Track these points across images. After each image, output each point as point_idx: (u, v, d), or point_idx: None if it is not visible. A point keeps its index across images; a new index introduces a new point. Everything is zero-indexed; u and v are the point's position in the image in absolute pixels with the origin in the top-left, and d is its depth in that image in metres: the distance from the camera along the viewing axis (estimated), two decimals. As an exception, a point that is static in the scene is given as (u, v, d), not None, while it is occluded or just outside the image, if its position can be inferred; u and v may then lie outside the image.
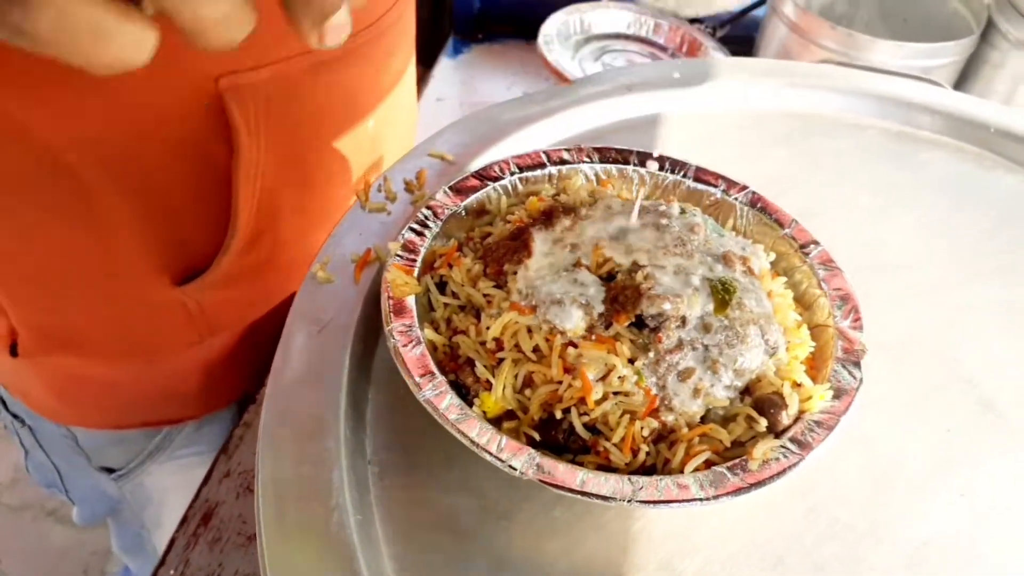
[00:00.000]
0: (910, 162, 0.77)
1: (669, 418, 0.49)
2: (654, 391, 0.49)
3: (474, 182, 0.61)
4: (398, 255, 0.55)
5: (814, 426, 0.49)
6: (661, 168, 0.63)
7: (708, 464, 0.48)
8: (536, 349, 0.50)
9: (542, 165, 0.62)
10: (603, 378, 0.48)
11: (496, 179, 0.61)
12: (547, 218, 0.55)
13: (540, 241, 0.54)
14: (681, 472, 0.47)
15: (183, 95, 0.56)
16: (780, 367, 0.52)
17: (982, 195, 0.75)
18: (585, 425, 0.48)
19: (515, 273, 0.53)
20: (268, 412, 0.50)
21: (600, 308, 0.50)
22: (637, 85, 0.77)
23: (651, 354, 0.49)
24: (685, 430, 0.49)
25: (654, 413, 0.48)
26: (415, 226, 0.57)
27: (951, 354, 0.61)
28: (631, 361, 0.49)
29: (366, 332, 0.55)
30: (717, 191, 0.63)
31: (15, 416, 0.83)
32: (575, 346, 0.49)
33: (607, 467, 0.48)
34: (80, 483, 0.89)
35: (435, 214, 0.58)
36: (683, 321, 0.50)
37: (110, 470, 0.86)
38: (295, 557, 0.44)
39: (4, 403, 0.83)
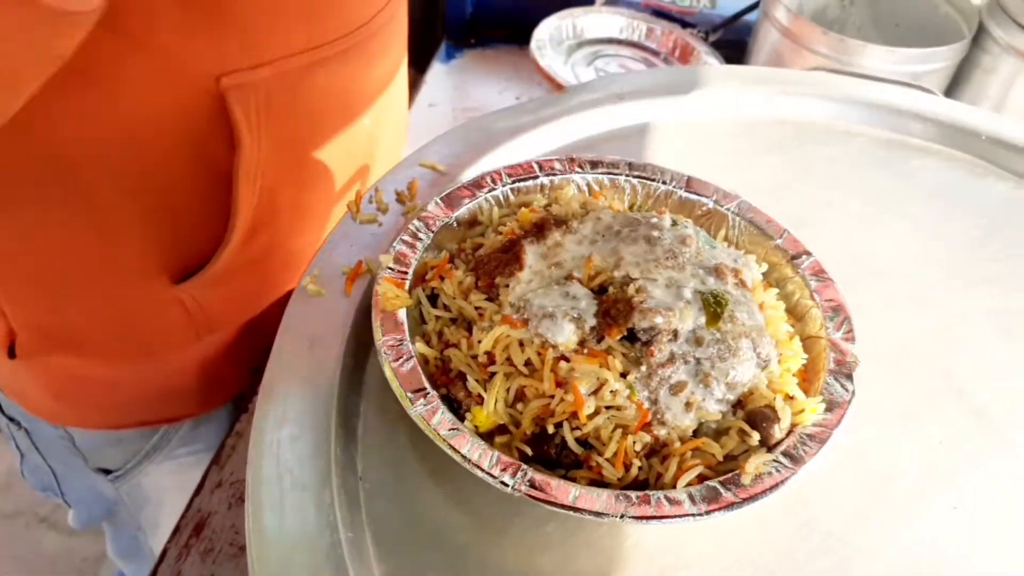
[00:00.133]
0: (901, 169, 0.77)
1: (661, 432, 0.48)
2: (646, 405, 0.48)
3: (466, 193, 0.60)
4: (389, 268, 0.54)
5: (807, 439, 0.49)
6: (653, 178, 0.63)
7: (701, 478, 0.48)
8: (528, 363, 0.49)
9: (534, 175, 0.62)
10: (595, 392, 0.48)
11: (488, 190, 0.61)
12: (539, 230, 0.55)
13: (532, 254, 0.54)
14: (674, 487, 0.47)
15: (185, 94, 0.56)
16: (772, 380, 0.51)
17: (973, 203, 0.75)
18: (577, 439, 0.48)
19: (507, 286, 0.52)
20: (258, 429, 0.49)
21: (592, 321, 0.50)
22: (629, 94, 0.77)
23: (643, 368, 0.49)
24: (677, 444, 0.48)
25: (646, 427, 0.48)
26: (406, 238, 0.56)
27: (943, 364, 0.61)
28: (623, 375, 0.49)
29: (357, 346, 0.55)
30: (709, 201, 0.63)
31: (11, 419, 0.83)
32: (567, 360, 0.49)
33: (600, 482, 0.48)
34: (76, 485, 0.89)
35: (427, 225, 0.58)
36: (675, 334, 0.49)
37: (107, 471, 0.86)
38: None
39: (0, 406, 0.83)
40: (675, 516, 0.45)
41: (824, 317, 0.56)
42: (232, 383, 0.83)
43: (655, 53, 1.31)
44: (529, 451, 0.49)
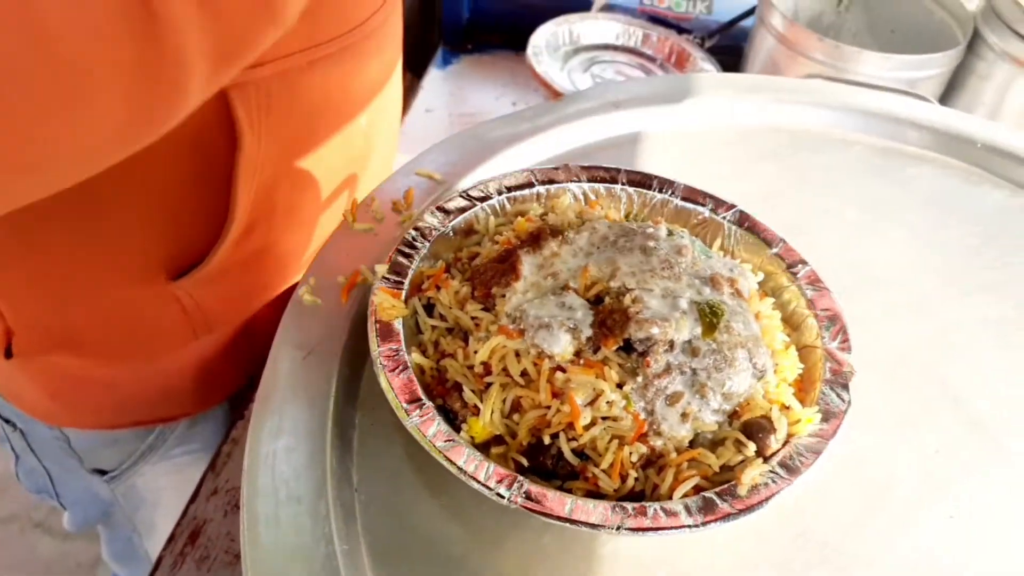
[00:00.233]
0: (898, 177, 0.77)
1: (658, 443, 0.48)
2: (642, 416, 0.48)
3: (462, 202, 0.60)
4: (385, 277, 0.54)
5: (803, 450, 0.49)
6: (649, 187, 0.63)
7: (697, 489, 0.48)
8: (524, 373, 0.49)
9: (530, 184, 0.62)
10: (591, 403, 0.48)
11: (484, 199, 0.61)
12: (535, 240, 0.55)
13: (528, 264, 0.54)
14: (670, 498, 0.47)
15: None
16: (768, 390, 0.51)
17: (969, 211, 0.75)
18: (573, 450, 0.48)
19: (503, 296, 0.52)
20: (254, 440, 0.49)
21: (588, 332, 0.50)
22: (624, 102, 0.77)
23: (639, 378, 0.49)
24: (674, 455, 0.48)
25: (642, 438, 0.48)
26: (403, 247, 0.56)
27: (939, 372, 0.61)
28: (619, 386, 0.49)
29: (353, 356, 0.55)
30: (705, 210, 0.63)
31: (6, 420, 0.83)
32: (563, 370, 0.49)
33: (596, 493, 0.48)
34: (72, 487, 0.89)
35: (423, 235, 0.58)
36: (671, 345, 0.49)
37: (103, 472, 0.85)
38: (281, 588, 0.44)
39: None
40: (671, 528, 0.44)
41: (820, 327, 0.56)
42: (228, 383, 0.83)
43: (651, 59, 1.31)
44: (525, 462, 0.49)
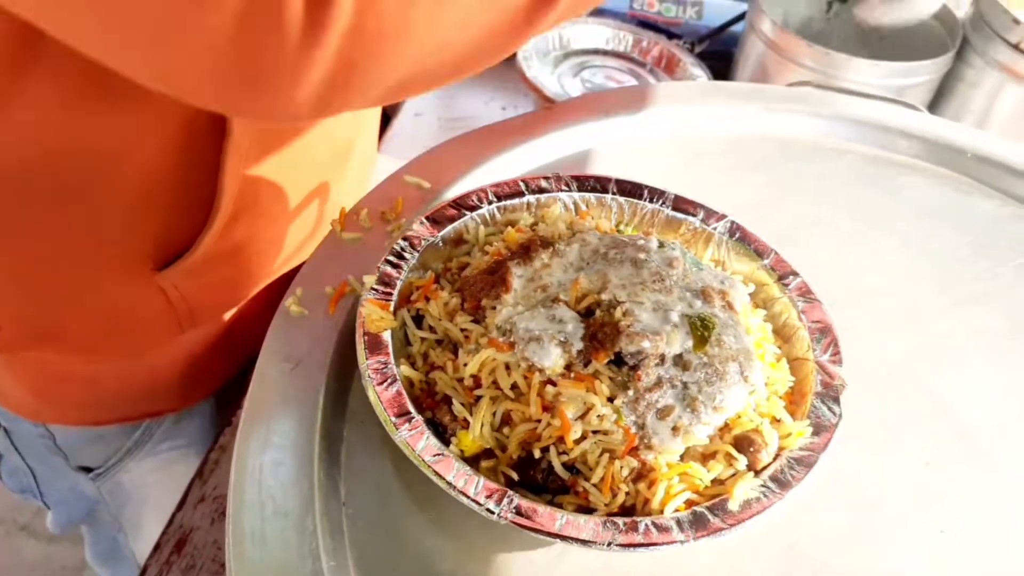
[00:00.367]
0: (889, 187, 0.77)
1: (648, 457, 0.48)
2: (633, 430, 0.48)
3: (451, 211, 0.60)
4: (374, 288, 0.54)
5: (794, 463, 0.49)
6: (640, 196, 0.63)
7: (688, 503, 0.47)
8: (514, 387, 0.49)
9: (520, 193, 0.62)
10: (582, 416, 0.48)
11: (474, 208, 0.60)
12: (525, 252, 0.55)
13: (518, 276, 0.53)
14: (661, 512, 0.47)
15: None
16: (759, 403, 0.51)
17: (959, 220, 0.75)
18: (564, 464, 0.48)
19: (493, 308, 0.52)
20: (240, 453, 0.48)
21: (579, 345, 0.50)
22: (615, 110, 0.77)
23: (630, 392, 0.48)
24: (665, 469, 0.48)
25: (633, 452, 0.48)
26: (391, 258, 0.56)
27: (930, 384, 0.61)
28: (610, 399, 0.48)
29: (341, 368, 0.54)
30: (696, 220, 0.62)
31: None
32: (554, 384, 0.49)
33: (586, 508, 0.48)
34: (56, 485, 0.88)
35: (412, 245, 0.57)
36: (662, 359, 0.49)
37: (88, 469, 0.85)
38: (267, 606, 0.43)
39: None
40: (662, 543, 0.44)
41: (811, 339, 0.55)
42: (214, 377, 0.83)
43: (641, 64, 1.30)
44: (515, 476, 0.48)
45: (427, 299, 0.54)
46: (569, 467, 0.48)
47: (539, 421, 0.48)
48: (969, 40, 1.12)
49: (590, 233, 0.56)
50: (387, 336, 0.51)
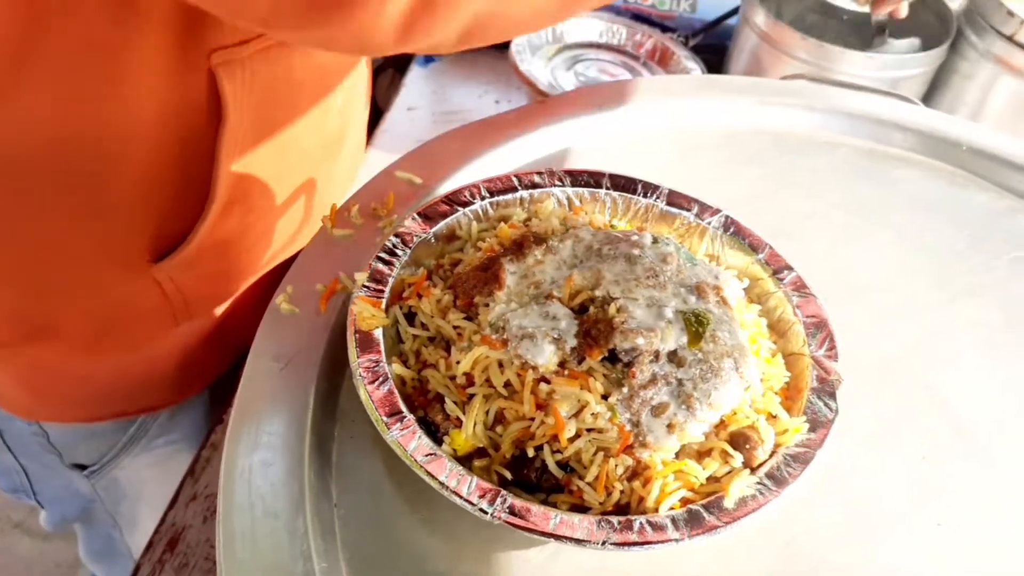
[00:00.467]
0: (884, 180, 0.77)
1: (643, 454, 0.48)
2: (628, 427, 0.47)
3: (444, 207, 0.59)
4: (365, 286, 0.53)
5: (790, 460, 0.48)
6: (634, 191, 0.62)
7: (683, 501, 0.47)
8: (508, 384, 0.48)
9: (513, 189, 0.61)
10: (576, 414, 0.47)
11: (466, 204, 0.60)
12: (518, 248, 0.54)
13: (511, 272, 0.53)
14: (656, 510, 0.46)
15: (179, 70, 0.56)
16: (755, 399, 0.51)
17: (955, 213, 0.75)
18: (558, 463, 0.47)
19: (486, 305, 0.51)
20: (230, 454, 0.48)
21: (572, 342, 0.49)
22: (609, 104, 0.76)
23: (624, 389, 0.48)
24: (660, 467, 0.47)
25: (628, 450, 0.47)
26: (383, 255, 0.55)
27: (926, 378, 0.61)
28: (604, 397, 0.48)
29: (332, 367, 0.53)
30: (690, 215, 0.62)
31: None
32: (547, 381, 0.48)
33: (581, 507, 0.47)
34: (50, 484, 0.88)
35: (404, 241, 0.56)
36: (656, 355, 0.49)
37: (83, 467, 0.84)
38: (258, 608, 0.43)
39: None
40: (658, 542, 0.44)
41: (806, 334, 0.55)
42: (208, 370, 0.83)
43: (635, 57, 1.30)
44: (508, 475, 0.48)
45: (419, 296, 0.53)
46: (563, 465, 0.48)
47: (533, 419, 0.48)
48: (963, 32, 1.12)
49: (584, 229, 0.56)
50: (379, 334, 0.51)
